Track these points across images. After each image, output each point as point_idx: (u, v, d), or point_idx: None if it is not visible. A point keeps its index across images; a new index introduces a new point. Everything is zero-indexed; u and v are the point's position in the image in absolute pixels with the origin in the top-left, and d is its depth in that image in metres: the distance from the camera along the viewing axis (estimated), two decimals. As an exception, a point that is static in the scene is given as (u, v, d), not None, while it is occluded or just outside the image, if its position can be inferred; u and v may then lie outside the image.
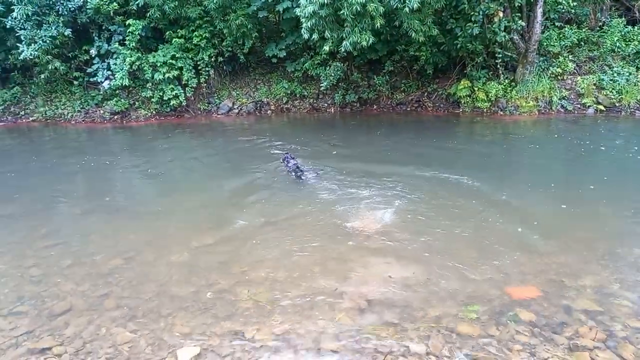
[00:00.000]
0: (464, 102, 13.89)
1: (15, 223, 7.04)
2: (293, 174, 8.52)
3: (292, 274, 5.09)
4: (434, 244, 5.65)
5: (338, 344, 3.84)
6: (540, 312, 4.24)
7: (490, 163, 9.26)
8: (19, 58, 13.53)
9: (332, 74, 14.40)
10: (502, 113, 13.34)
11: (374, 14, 10.20)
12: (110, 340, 4.02)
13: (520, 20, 12.47)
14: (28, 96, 15.44)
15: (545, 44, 13.60)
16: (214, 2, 12.98)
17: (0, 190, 8.73)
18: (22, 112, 15.31)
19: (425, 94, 15.09)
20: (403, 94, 15.31)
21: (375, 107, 15.48)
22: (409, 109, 15.05)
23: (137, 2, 13.45)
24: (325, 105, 16.18)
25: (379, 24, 10.53)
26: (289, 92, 16.07)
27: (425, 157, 9.64)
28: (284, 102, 16.31)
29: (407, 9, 10.22)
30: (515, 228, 6.00)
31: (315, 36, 11.23)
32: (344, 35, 11.02)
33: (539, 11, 12.60)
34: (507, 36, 12.53)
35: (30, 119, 15.17)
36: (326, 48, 11.62)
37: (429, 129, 12.83)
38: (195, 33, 14.51)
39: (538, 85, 13.21)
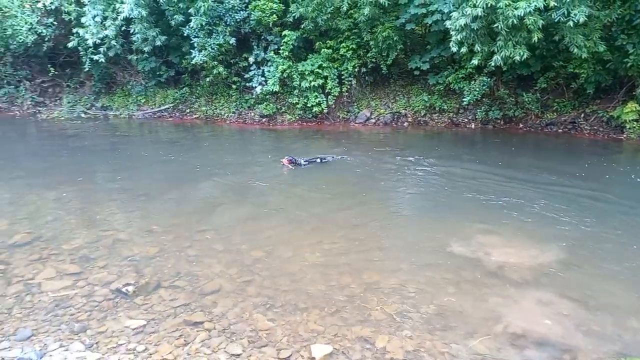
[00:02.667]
0: (630, 127, 12.27)
1: (176, 207, 8.01)
2: (317, 160, 10.70)
3: (423, 289, 5.02)
4: (588, 279, 5.13)
5: (472, 370, 3.69)
6: None
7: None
8: (191, 62, 15.42)
9: (477, 89, 13.83)
10: (678, 143, 11.54)
11: (532, 27, 9.58)
12: (252, 324, 4.37)
13: None
14: (194, 96, 17.47)
15: None
16: (364, 15, 13.34)
17: (166, 177, 9.99)
18: (188, 110, 17.39)
19: (582, 115, 13.66)
20: (555, 113, 14.05)
21: (521, 125, 14.46)
22: (560, 130, 13.77)
23: (293, 15, 14.43)
24: (466, 120, 15.58)
25: (536, 38, 9.87)
26: (428, 105, 15.81)
27: (583, 180, 8.73)
28: (422, 115, 16.08)
29: (571, 23, 9.43)
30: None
31: (463, 49, 10.93)
32: (496, 49, 10.53)
33: None
34: (694, 55, 10.82)
35: (194, 116, 17.17)
36: (474, 62, 11.22)
37: (586, 152, 11.61)
38: (343, 44, 15.07)
39: None
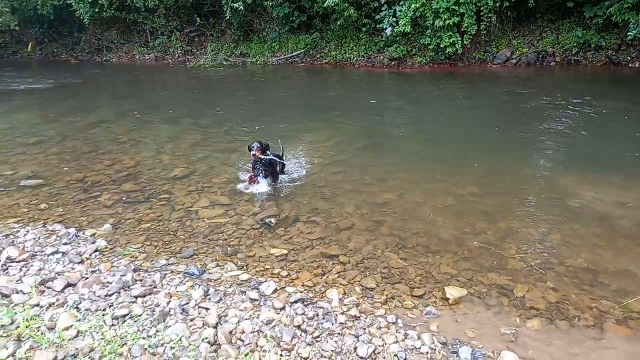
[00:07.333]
0: None
1: (309, 146, 8.31)
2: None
3: (569, 241, 4.66)
4: None
5: (626, 329, 3.39)
6: None
7: None
8: (322, 6, 15.42)
9: (648, 20, 11.76)
10: None
11: None
12: (385, 262, 4.49)
13: None
14: (324, 41, 17.63)
15: None
16: (511, -61, 11.96)
17: (300, 119, 10.40)
18: (318, 55, 17.66)
19: None
20: None
21: (703, 63, 12.11)
22: None
23: (429, -54, 13.50)
24: (628, 58, 13.52)
25: None
26: (581, 41, 13.97)
27: None
28: (573, 53, 14.31)
29: None
30: None
31: (635, -28, 9.28)
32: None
33: None
34: None
35: (324, 61, 17.40)
36: (648, -13, 9.50)
37: None
38: (490, -25, 13.78)
39: None
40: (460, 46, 14.50)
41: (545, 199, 5.75)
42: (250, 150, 6.06)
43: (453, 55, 14.98)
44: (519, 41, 15.15)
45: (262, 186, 6.29)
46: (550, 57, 14.65)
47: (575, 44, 14.08)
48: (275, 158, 6.32)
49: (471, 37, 14.51)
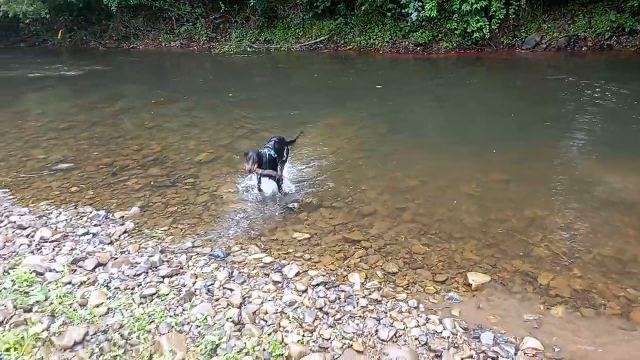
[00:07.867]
0: None
1: (330, 131, 8.31)
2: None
3: (597, 230, 4.57)
4: None
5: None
6: None
7: None
8: (347, -10, 15.30)
9: (688, 2, 11.25)
10: None
11: None
12: (407, 247, 4.49)
13: None
14: (348, 27, 17.45)
15: None
16: None
17: (323, 106, 10.38)
18: (342, 42, 17.51)
19: None
20: None
21: None
22: None
23: None
24: (665, 43, 12.98)
25: None
26: (615, 25, 13.47)
27: None
28: (606, 37, 13.81)
29: None
30: None
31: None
32: None
33: None
34: None
35: (348, 47, 17.25)
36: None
37: None
38: (514, -43, 13.39)
39: None
40: (487, 31, 14.16)
41: (572, 186, 5.63)
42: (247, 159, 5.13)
43: (480, 40, 14.65)
44: (549, 25, 14.70)
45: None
46: (581, 41, 14.18)
47: (608, 28, 13.58)
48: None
49: (499, 21, 14.16)
